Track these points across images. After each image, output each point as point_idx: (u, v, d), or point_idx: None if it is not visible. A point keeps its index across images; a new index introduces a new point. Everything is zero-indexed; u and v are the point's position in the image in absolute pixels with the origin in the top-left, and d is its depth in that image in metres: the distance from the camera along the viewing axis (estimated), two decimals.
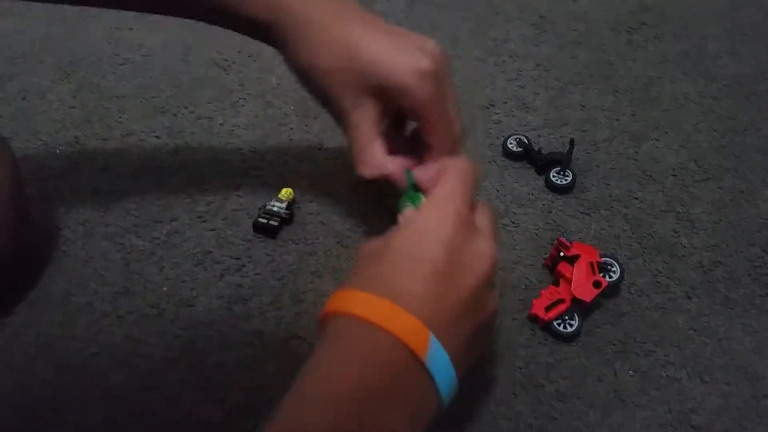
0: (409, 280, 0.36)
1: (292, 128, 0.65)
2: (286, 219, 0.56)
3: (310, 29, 0.44)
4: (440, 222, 0.38)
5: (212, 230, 0.56)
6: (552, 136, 0.65)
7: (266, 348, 0.49)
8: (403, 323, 0.34)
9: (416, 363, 0.34)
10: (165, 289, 0.52)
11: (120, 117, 0.66)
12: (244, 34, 0.48)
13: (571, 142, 0.60)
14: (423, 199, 0.45)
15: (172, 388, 0.47)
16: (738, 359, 0.50)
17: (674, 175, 0.62)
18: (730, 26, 0.77)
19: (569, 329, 0.50)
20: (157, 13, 0.49)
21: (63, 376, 0.48)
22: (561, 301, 0.51)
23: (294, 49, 0.45)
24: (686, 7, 0.80)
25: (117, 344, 0.49)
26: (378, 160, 0.46)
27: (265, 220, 0.55)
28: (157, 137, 0.64)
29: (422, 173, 0.45)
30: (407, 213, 0.44)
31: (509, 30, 0.76)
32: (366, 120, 0.45)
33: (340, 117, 0.46)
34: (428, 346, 0.34)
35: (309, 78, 0.45)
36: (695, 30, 0.77)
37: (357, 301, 0.36)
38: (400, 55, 0.43)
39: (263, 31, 0.45)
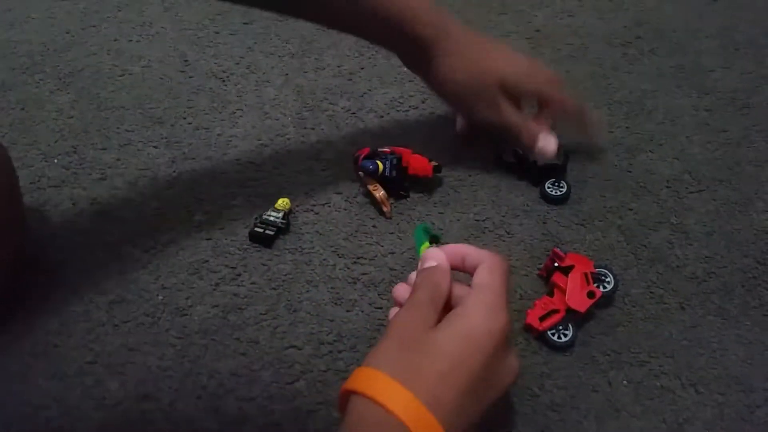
0: (446, 387, 0.36)
1: (289, 139, 0.65)
2: (283, 229, 0.56)
3: (467, 46, 0.57)
4: (489, 335, 0.38)
5: (208, 239, 0.57)
6: None
7: (261, 357, 0.49)
8: None
9: None
10: (160, 298, 0.53)
11: (118, 127, 0.66)
12: (392, 50, 0.60)
13: (566, 154, 0.60)
14: (427, 245, 0.48)
15: (166, 397, 0.47)
16: (732, 370, 0.50)
17: (668, 187, 0.62)
18: (724, 41, 0.78)
19: (564, 339, 0.50)
20: (324, 25, 0.60)
21: (58, 384, 0.47)
22: (555, 311, 0.51)
23: (450, 61, 0.57)
24: (681, 23, 0.80)
25: (112, 353, 0.49)
26: (537, 128, 0.59)
27: (261, 230, 0.56)
28: (155, 147, 0.64)
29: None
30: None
31: (505, 43, 0.76)
32: (513, 109, 0.59)
33: (483, 108, 0.58)
34: None
35: (459, 84, 0.58)
36: (690, 45, 0.78)
37: (394, 397, 0.35)
38: (533, 68, 0.60)
39: (423, 46, 0.56)
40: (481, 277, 0.42)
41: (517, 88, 0.58)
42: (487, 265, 0.42)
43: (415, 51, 0.57)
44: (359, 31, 0.58)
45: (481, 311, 0.39)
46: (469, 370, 0.37)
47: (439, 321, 0.40)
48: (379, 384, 0.36)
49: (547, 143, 0.59)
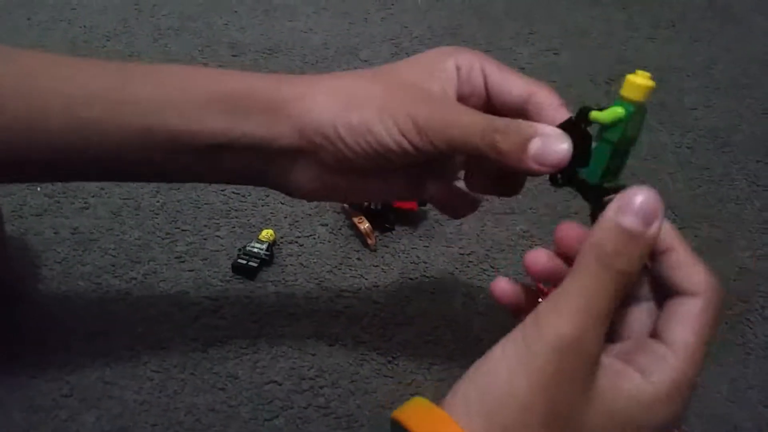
0: None
1: None
2: (266, 260, 0.56)
3: (318, 82, 0.36)
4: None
5: (190, 271, 0.56)
6: (529, 184, 0.65)
7: (240, 392, 0.48)
8: None
9: None
10: (140, 330, 0.52)
11: None
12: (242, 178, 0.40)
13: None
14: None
15: None
16: (714, 408, 0.49)
17: None
18: (705, 80, 0.80)
19: None
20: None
21: (32, 417, 0.46)
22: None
23: (305, 102, 0.35)
24: (664, 61, 0.82)
25: (89, 386, 0.48)
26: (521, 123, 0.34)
27: (244, 261, 0.55)
28: None
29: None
30: None
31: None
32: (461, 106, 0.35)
33: (396, 126, 0.34)
34: None
35: (338, 115, 0.34)
36: (672, 83, 0.79)
37: None
38: (426, 54, 0.38)
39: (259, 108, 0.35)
40: (690, 327, 0.27)
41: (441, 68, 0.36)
42: (702, 309, 0.28)
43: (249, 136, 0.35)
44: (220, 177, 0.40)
45: (672, 390, 0.26)
46: None
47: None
48: None
49: (548, 137, 0.32)
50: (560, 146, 0.32)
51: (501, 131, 0.32)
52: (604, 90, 0.77)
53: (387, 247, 0.59)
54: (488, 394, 0.25)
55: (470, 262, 0.58)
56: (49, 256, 0.57)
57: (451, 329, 0.53)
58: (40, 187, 0.62)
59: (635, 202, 0.26)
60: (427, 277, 0.57)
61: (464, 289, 0.56)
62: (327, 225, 0.60)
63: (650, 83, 0.32)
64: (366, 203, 0.58)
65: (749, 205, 0.65)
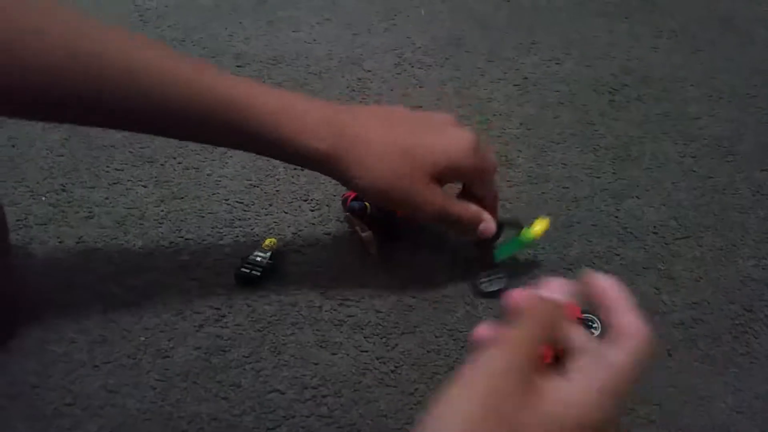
0: None
1: (278, 179, 0.66)
2: (269, 269, 0.56)
3: (368, 146, 0.49)
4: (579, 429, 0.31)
5: (194, 280, 0.56)
6: (534, 192, 0.65)
7: (242, 401, 0.48)
8: None
9: None
10: (142, 338, 0.52)
11: (108, 166, 0.66)
12: (301, 166, 0.53)
13: (500, 225, 0.57)
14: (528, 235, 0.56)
15: None
16: (720, 418, 0.49)
17: (655, 233, 0.62)
18: (707, 90, 0.80)
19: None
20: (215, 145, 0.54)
21: (34, 426, 0.46)
22: (540, 357, 0.50)
23: (357, 169, 0.49)
24: (667, 71, 0.82)
25: (91, 394, 0.48)
26: (476, 210, 0.54)
27: (247, 270, 0.55)
28: (144, 186, 0.64)
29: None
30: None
31: (493, 90, 0.78)
32: (446, 194, 0.52)
33: (421, 206, 0.51)
34: None
35: (380, 187, 0.50)
36: (675, 93, 0.79)
37: None
38: (449, 141, 0.51)
39: (324, 160, 0.49)
40: (615, 352, 0.33)
41: (452, 173, 0.52)
42: (632, 343, 0.34)
43: (315, 165, 0.50)
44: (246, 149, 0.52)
45: (589, 392, 0.32)
46: None
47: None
48: None
49: (490, 223, 0.54)
50: (492, 230, 0.55)
51: (470, 219, 0.54)
52: (607, 99, 0.77)
53: (390, 255, 0.59)
54: (438, 419, 0.31)
55: (473, 271, 0.58)
56: (53, 265, 0.57)
57: (454, 338, 0.53)
58: (45, 197, 0.63)
59: (556, 285, 0.39)
60: (430, 285, 0.57)
61: (467, 298, 0.56)
62: (330, 234, 0.61)
63: (545, 228, 0.56)
64: (368, 212, 0.58)
65: (753, 214, 0.65)
